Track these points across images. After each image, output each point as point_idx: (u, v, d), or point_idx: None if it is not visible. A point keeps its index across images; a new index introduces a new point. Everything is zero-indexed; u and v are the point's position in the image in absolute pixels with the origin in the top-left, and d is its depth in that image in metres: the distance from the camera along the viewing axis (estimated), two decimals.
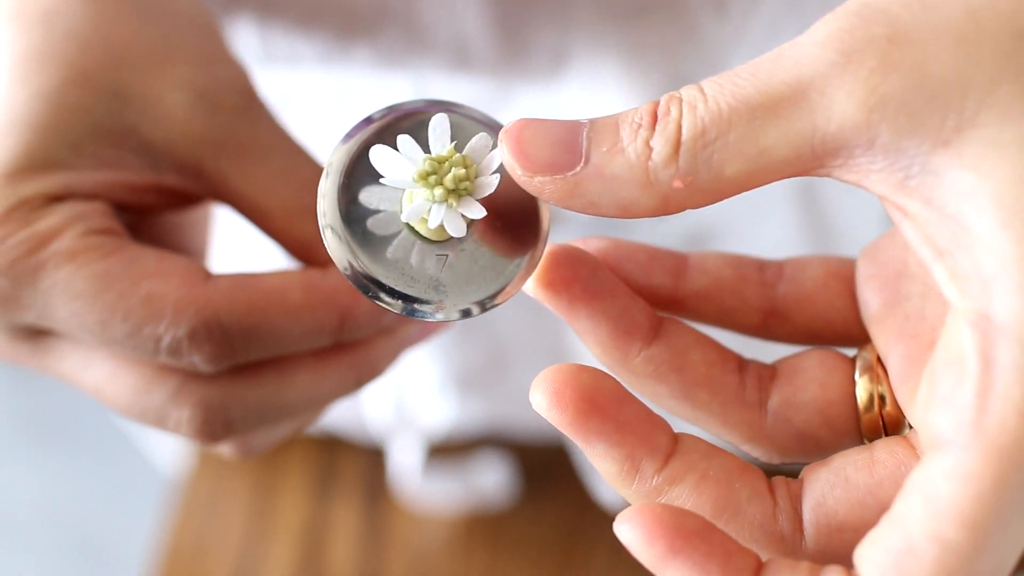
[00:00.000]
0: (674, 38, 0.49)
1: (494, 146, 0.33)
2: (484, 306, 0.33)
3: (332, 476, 0.71)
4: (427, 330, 0.39)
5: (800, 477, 0.32)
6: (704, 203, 0.30)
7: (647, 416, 0.31)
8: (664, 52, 0.49)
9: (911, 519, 0.27)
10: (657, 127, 0.29)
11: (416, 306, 0.32)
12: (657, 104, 0.30)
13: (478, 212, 0.32)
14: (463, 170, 0.32)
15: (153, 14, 0.37)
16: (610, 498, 0.66)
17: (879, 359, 0.33)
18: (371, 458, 0.71)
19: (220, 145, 0.36)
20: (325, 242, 0.33)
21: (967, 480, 0.27)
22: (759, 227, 0.63)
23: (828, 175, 0.30)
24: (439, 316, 0.32)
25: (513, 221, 0.33)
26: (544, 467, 0.71)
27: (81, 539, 1.30)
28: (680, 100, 0.29)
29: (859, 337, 0.35)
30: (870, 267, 0.34)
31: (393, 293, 0.32)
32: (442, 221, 0.32)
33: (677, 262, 0.35)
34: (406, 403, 0.67)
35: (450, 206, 0.32)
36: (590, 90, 0.50)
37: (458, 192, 0.32)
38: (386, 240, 0.33)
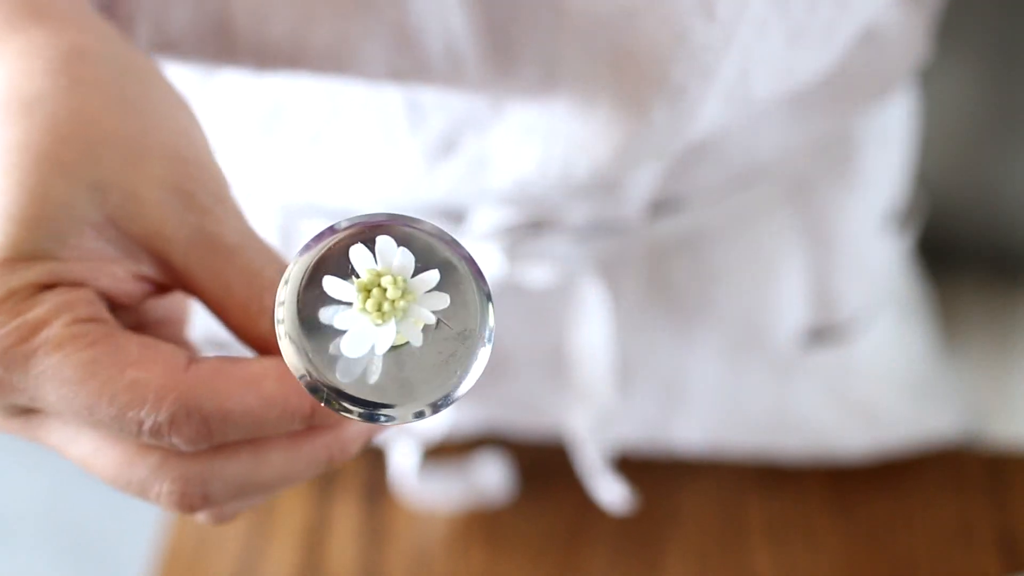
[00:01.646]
0: (664, 44, 0.49)
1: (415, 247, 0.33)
2: (451, 399, 0.33)
3: (332, 476, 0.71)
4: None
5: None
6: None
7: None
8: (655, 59, 0.49)
9: None
10: None
11: (376, 411, 0.33)
12: None
13: (442, 302, 0.32)
14: (394, 278, 0.32)
15: (132, 110, 0.38)
16: (609, 498, 0.66)
17: None
18: (371, 458, 0.71)
19: (187, 242, 0.38)
20: (283, 352, 0.33)
21: None
22: (755, 230, 0.63)
23: None
24: (409, 418, 0.33)
25: (456, 303, 0.34)
26: (543, 467, 0.71)
27: (81, 539, 1.30)
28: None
29: None
30: None
31: (354, 400, 0.33)
32: (412, 328, 0.32)
33: None
34: None
35: (408, 313, 0.32)
36: (582, 102, 0.50)
37: (406, 299, 0.32)
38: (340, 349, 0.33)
